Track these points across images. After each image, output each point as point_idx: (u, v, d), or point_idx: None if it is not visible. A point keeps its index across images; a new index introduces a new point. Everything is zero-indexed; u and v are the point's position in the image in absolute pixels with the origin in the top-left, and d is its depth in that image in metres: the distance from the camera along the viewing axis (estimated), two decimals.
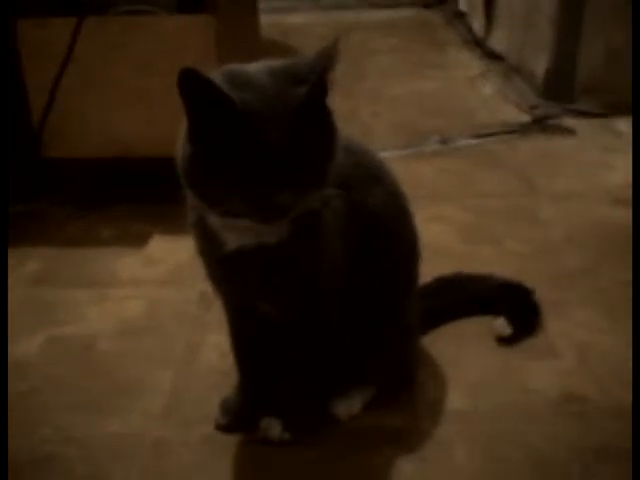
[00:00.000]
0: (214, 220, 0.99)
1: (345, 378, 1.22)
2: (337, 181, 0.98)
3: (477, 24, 3.40)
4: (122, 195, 1.98)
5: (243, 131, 0.88)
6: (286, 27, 3.60)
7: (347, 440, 1.18)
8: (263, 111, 0.88)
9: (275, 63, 0.95)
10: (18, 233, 1.80)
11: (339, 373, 1.19)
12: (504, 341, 1.38)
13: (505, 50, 3.03)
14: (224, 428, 1.20)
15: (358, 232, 1.09)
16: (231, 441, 1.19)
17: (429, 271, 1.35)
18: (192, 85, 0.87)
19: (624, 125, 2.36)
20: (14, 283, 1.61)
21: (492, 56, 3.12)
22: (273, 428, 1.17)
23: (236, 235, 1.00)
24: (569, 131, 2.40)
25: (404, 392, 1.27)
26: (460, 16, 3.70)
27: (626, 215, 1.77)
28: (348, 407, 1.22)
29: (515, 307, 1.43)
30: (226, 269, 1.05)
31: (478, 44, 3.31)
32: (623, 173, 2.02)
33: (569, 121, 2.46)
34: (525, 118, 2.50)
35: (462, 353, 1.37)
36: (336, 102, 0.96)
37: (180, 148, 0.94)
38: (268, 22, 2.93)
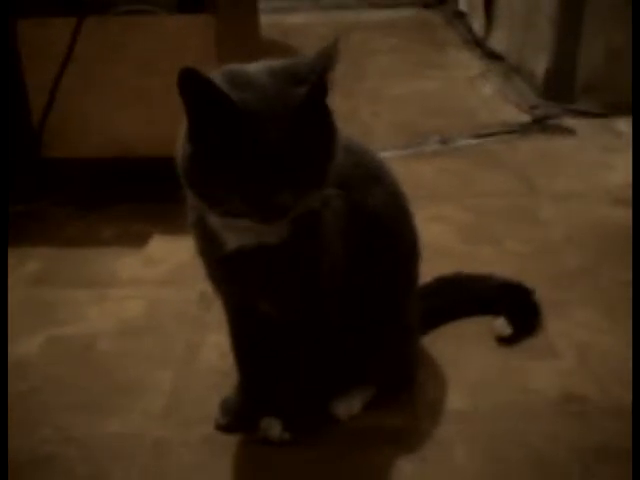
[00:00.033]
0: (214, 220, 0.99)
1: (345, 378, 1.21)
2: (337, 181, 0.98)
3: (477, 24, 3.40)
4: (122, 195, 1.98)
5: (243, 131, 0.88)
6: (286, 27, 3.60)
7: (347, 440, 1.18)
8: (263, 111, 0.88)
9: (275, 63, 0.95)
10: (18, 233, 1.80)
11: (339, 373, 1.18)
12: (504, 341, 1.38)
13: (505, 50, 3.03)
14: (224, 428, 1.20)
15: (358, 232, 1.09)
16: (231, 441, 1.18)
17: (429, 271, 1.35)
18: (192, 85, 0.87)
19: (624, 125, 2.36)
20: (14, 283, 1.61)
21: (492, 56, 3.12)
22: (273, 428, 1.17)
23: (236, 235, 1.00)
24: (569, 131, 2.40)
25: (404, 392, 1.27)
26: (460, 16, 3.70)
27: (626, 215, 1.77)
28: (348, 407, 1.22)
29: (515, 307, 1.43)
30: (226, 269, 1.05)
31: (478, 44, 3.31)
32: (623, 173, 2.02)
33: (569, 121, 2.46)
34: (525, 118, 2.50)
35: (462, 353, 1.37)
36: (336, 102, 0.96)
37: (180, 148, 0.94)
38: (268, 22, 2.93)
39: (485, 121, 2.49)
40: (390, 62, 3.18)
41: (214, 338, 1.40)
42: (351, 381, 1.23)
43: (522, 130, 2.41)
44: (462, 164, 2.18)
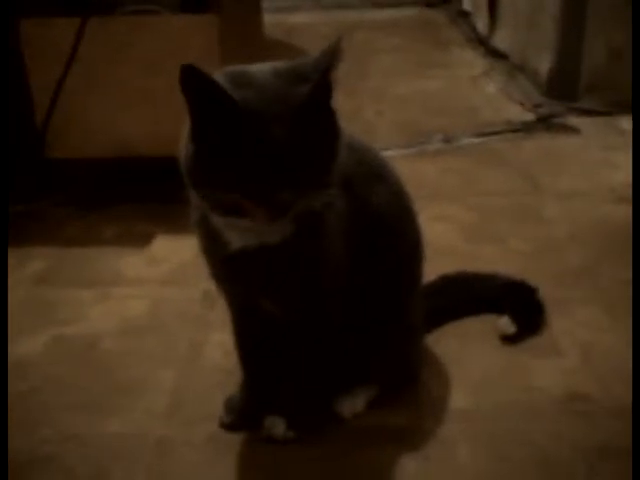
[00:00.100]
0: (217, 219, 0.99)
1: (349, 377, 1.21)
2: (340, 179, 0.98)
3: (481, 23, 3.40)
4: (125, 194, 1.98)
5: (244, 129, 0.88)
6: (289, 26, 3.60)
7: (351, 438, 1.18)
8: (265, 110, 0.88)
9: (279, 64, 0.95)
10: (20, 233, 1.81)
11: (343, 372, 1.19)
12: (508, 339, 1.38)
13: (509, 49, 3.02)
14: (228, 427, 1.20)
15: (361, 231, 1.09)
16: (235, 440, 1.19)
17: (433, 270, 1.35)
18: (193, 82, 0.87)
19: (628, 123, 2.35)
20: (16, 283, 1.61)
21: (496, 55, 3.11)
22: (277, 426, 1.17)
23: (239, 234, 1.00)
24: (573, 129, 2.40)
25: (408, 391, 1.27)
26: (464, 15, 3.70)
27: (630, 213, 1.77)
28: (352, 406, 1.22)
29: (519, 305, 1.42)
30: (229, 268, 1.05)
31: (482, 43, 3.31)
32: (627, 171, 2.01)
33: (573, 119, 2.45)
34: (529, 117, 2.50)
35: (466, 352, 1.37)
36: (339, 101, 0.96)
37: (183, 148, 0.94)
38: (271, 21, 2.93)
39: (489, 120, 2.48)
40: (393, 61, 3.18)
41: (218, 337, 1.40)
42: (355, 380, 1.23)
43: (526, 129, 2.41)
44: (465, 163, 2.18)
